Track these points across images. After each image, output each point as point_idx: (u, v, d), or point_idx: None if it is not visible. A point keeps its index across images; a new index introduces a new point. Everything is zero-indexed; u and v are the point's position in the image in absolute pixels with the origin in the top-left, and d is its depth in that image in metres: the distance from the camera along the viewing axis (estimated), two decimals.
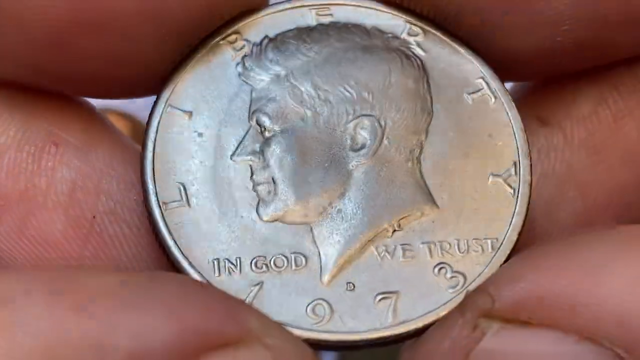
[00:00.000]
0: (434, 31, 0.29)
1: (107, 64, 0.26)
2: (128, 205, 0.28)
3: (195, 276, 0.26)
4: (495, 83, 0.29)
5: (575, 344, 0.23)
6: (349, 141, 0.27)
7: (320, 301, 0.25)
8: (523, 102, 0.32)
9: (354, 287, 0.26)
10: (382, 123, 0.27)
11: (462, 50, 0.29)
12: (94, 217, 0.28)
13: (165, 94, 0.27)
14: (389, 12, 0.29)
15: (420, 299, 0.26)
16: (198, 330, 0.22)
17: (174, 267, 0.26)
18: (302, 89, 0.27)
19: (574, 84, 0.31)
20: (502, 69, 0.29)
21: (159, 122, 0.27)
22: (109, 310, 0.21)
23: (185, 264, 0.26)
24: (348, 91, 0.27)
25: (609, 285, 0.23)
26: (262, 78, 0.28)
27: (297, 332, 0.25)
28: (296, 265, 0.26)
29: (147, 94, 0.28)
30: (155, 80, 0.27)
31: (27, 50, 0.26)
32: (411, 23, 0.29)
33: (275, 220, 0.26)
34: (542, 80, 0.32)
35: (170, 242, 0.26)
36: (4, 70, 0.27)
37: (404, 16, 0.29)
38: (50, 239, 0.27)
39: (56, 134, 0.28)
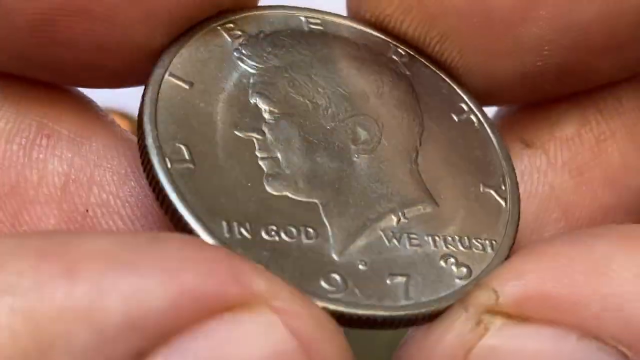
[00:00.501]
0: (418, 56, 0.29)
1: (94, 51, 0.26)
2: (122, 197, 0.27)
3: (205, 236, 0.23)
4: (476, 107, 0.29)
5: (577, 342, 0.23)
6: (350, 134, 0.27)
7: (334, 274, 0.24)
8: (506, 124, 0.32)
9: (366, 263, 0.25)
10: (380, 124, 0.27)
11: (444, 76, 0.29)
12: (86, 210, 0.27)
13: (164, 62, 0.26)
14: (375, 35, 0.29)
15: (432, 283, 0.25)
16: (197, 293, 0.20)
17: (180, 226, 0.24)
18: (301, 81, 0.27)
19: (558, 106, 0.31)
20: (484, 93, 0.30)
21: (158, 88, 0.26)
22: (100, 273, 0.20)
23: (195, 226, 0.23)
24: (345, 91, 0.27)
25: (613, 282, 0.23)
26: (261, 66, 0.27)
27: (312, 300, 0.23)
28: (307, 237, 0.25)
29: (137, 83, 0.27)
30: (143, 67, 0.26)
31: (11, 37, 0.25)
32: (397, 46, 0.29)
33: (284, 194, 0.25)
34: (524, 104, 0.32)
35: (179, 204, 0.24)
36: None
37: (389, 39, 0.29)
38: None
39: (48, 125, 0.27)
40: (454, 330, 0.23)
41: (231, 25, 0.28)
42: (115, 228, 0.27)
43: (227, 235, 0.24)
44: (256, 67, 0.27)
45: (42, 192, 0.27)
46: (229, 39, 0.27)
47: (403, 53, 0.29)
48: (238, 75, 0.27)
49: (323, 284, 0.24)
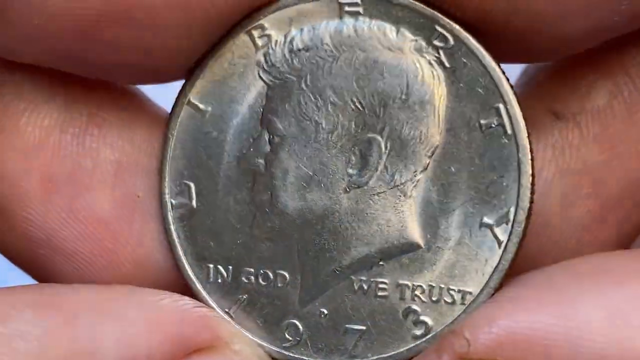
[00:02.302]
0: (465, 40, 0.27)
1: (135, 53, 0.27)
2: None
3: (193, 277, 0.28)
4: (512, 112, 0.27)
5: None
6: (350, 159, 0.27)
7: (295, 322, 0.27)
8: (535, 95, 0.31)
9: (327, 315, 0.27)
10: (387, 146, 0.27)
11: (489, 65, 0.27)
12: (138, 195, 0.29)
13: (187, 89, 0.28)
14: (422, 12, 0.27)
15: (385, 339, 0.26)
16: (176, 338, 0.25)
17: (177, 264, 0.28)
18: (315, 96, 0.27)
19: (588, 75, 0.30)
20: (548, 53, 0.29)
21: (179, 118, 0.28)
22: (95, 322, 0.24)
23: (185, 265, 0.28)
24: (360, 103, 0.27)
25: (582, 324, 0.23)
26: (277, 80, 0.28)
27: (267, 348, 0.27)
28: (280, 282, 0.27)
29: (174, 80, 0.29)
30: (182, 67, 0.28)
31: (57, 38, 0.26)
32: (442, 27, 0.27)
33: (268, 233, 0.27)
34: (555, 69, 0.31)
35: (176, 242, 0.28)
36: (36, 57, 0.28)
37: (436, 16, 0.27)
38: (98, 219, 0.29)
39: (97, 114, 0.29)
40: None
41: (260, 29, 0.28)
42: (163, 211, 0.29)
43: (211, 279, 0.28)
44: (273, 82, 0.28)
45: (96, 178, 0.29)
46: (253, 48, 0.28)
47: (449, 37, 0.27)
48: (255, 94, 0.28)
49: (282, 331, 0.27)
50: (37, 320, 0.24)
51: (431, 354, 0.25)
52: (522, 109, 0.27)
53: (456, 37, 0.27)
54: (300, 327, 0.27)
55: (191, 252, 0.28)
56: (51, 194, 0.28)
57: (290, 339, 0.27)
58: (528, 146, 0.27)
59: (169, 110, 0.29)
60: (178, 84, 0.29)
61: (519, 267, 0.28)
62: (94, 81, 0.29)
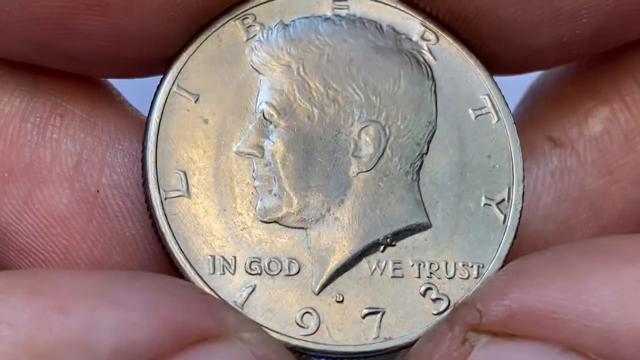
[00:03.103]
0: (447, 37, 0.28)
1: (110, 41, 0.26)
2: (132, 179, 0.28)
3: (190, 272, 0.26)
4: (499, 101, 0.28)
5: (560, 356, 0.23)
6: (352, 145, 0.27)
7: (310, 310, 0.26)
8: (532, 120, 0.32)
9: (343, 299, 0.26)
10: (387, 131, 0.27)
11: (472, 61, 0.28)
12: (97, 191, 0.27)
13: (173, 72, 0.27)
14: (405, 12, 0.28)
15: (405, 318, 0.26)
16: (178, 326, 0.23)
17: (170, 259, 0.26)
18: (311, 84, 0.27)
19: (585, 102, 0.31)
20: (518, 64, 0.29)
21: (164, 103, 0.26)
22: (90, 308, 0.22)
23: (181, 259, 0.26)
24: (357, 93, 0.27)
25: (593, 297, 0.23)
26: (272, 67, 0.27)
27: (283, 339, 0.25)
28: (289, 271, 0.26)
29: (153, 73, 0.28)
30: (162, 59, 0.27)
31: (29, 27, 0.25)
32: (426, 26, 0.28)
33: (274, 221, 0.26)
34: (553, 96, 0.32)
35: (168, 234, 0.26)
36: (7, 49, 0.27)
37: (419, 18, 0.28)
38: (55, 213, 0.27)
39: (61, 105, 0.28)
40: (441, 349, 0.24)
41: (249, 17, 0.27)
42: (125, 209, 0.28)
43: (211, 272, 0.26)
44: (267, 69, 0.27)
45: (54, 171, 0.27)
46: (244, 35, 0.27)
47: (431, 36, 0.28)
48: (248, 80, 0.27)
49: (297, 321, 0.26)
50: (27, 305, 0.22)
51: (443, 326, 0.25)
52: (504, 101, 0.29)
53: (440, 35, 0.28)
54: (318, 314, 0.26)
55: (187, 245, 0.26)
56: (6, 184, 0.27)
57: (308, 327, 0.26)
58: (515, 130, 0.28)
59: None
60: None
61: None
62: (63, 72, 0.28)
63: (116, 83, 0.29)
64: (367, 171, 0.27)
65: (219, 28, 0.27)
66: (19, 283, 0.22)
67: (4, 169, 0.27)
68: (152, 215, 0.26)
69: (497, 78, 0.29)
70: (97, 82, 0.29)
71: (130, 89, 0.30)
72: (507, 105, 0.29)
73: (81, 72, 0.28)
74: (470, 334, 0.24)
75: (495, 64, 0.29)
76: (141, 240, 0.27)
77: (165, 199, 0.26)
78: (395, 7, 0.28)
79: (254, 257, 0.26)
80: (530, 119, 0.32)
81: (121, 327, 0.22)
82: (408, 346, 0.26)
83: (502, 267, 0.27)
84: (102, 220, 0.27)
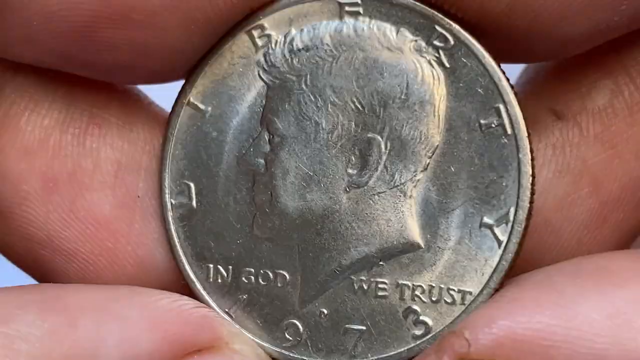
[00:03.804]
0: (466, 40, 0.27)
1: (133, 54, 0.27)
2: None
3: (193, 278, 0.28)
4: (512, 112, 0.27)
5: None
6: (350, 159, 0.27)
7: (295, 323, 0.27)
8: (536, 94, 0.31)
9: (326, 315, 0.27)
10: (387, 146, 0.27)
11: (489, 67, 0.27)
12: (138, 196, 0.29)
13: (187, 89, 0.28)
14: (421, 13, 0.27)
15: (385, 338, 0.26)
16: (176, 339, 0.25)
17: (177, 264, 0.28)
18: (315, 96, 0.27)
19: (589, 74, 0.30)
20: (550, 53, 0.29)
21: (179, 118, 0.28)
22: (97, 323, 0.24)
23: (186, 265, 0.28)
24: (360, 103, 0.27)
25: (583, 323, 0.23)
26: (277, 80, 0.28)
27: (267, 349, 0.27)
28: (280, 283, 0.27)
29: (173, 80, 0.29)
30: (182, 67, 0.28)
31: (55, 40, 0.26)
32: (442, 28, 0.27)
33: (268, 237, 0.27)
34: (556, 68, 0.31)
35: (176, 242, 0.28)
36: (35, 58, 0.28)
37: (437, 16, 0.27)
38: (99, 219, 0.29)
39: (98, 114, 0.29)
40: None
41: (260, 28, 0.28)
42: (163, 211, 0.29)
43: (210, 279, 0.28)
44: (273, 81, 0.28)
45: (96, 179, 0.29)
46: (253, 48, 0.28)
47: (445, 39, 0.27)
48: (255, 94, 0.28)
49: (282, 331, 0.27)
50: (40, 322, 0.24)
51: (431, 355, 0.25)
52: (522, 110, 0.27)
53: (456, 37, 0.27)
54: (300, 327, 0.27)
55: (191, 252, 0.28)
56: (52, 194, 0.28)
57: (291, 339, 0.27)
58: (528, 146, 0.27)
59: (169, 110, 0.29)
60: (179, 84, 0.29)
61: (519, 267, 0.28)
62: (95, 81, 0.29)
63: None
64: (359, 187, 0.27)
65: (230, 42, 0.28)
66: (31, 299, 0.25)
67: (48, 179, 0.28)
68: (164, 222, 0.28)
69: None
70: (128, 90, 0.30)
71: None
72: (522, 115, 0.27)
73: (106, 80, 0.29)
74: None
75: (526, 56, 0.28)
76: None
77: (174, 208, 0.28)
78: (412, 9, 0.27)
79: (247, 269, 0.27)
80: (532, 91, 0.31)
81: (125, 341, 0.24)
82: None
83: (492, 295, 0.26)
84: (144, 222, 0.29)
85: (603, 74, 0.30)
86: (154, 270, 0.29)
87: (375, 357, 0.26)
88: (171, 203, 0.28)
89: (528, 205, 0.27)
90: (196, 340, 0.26)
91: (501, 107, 0.27)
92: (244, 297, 0.27)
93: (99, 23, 0.26)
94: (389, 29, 0.27)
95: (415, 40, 0.27)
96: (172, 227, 0.28)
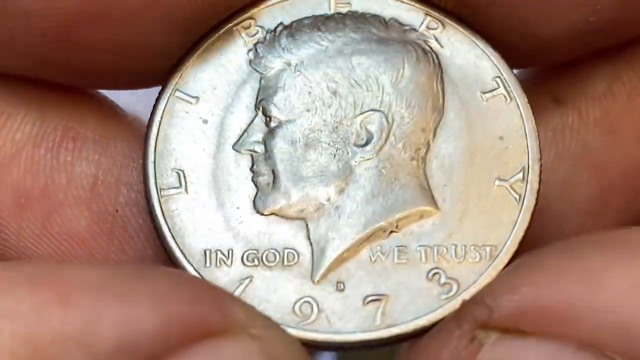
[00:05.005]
0: (454, 24, 0.28)
1: (112, 54, 0.26)
2: None
3: (186, 265, 0.26)
4: (512, 82, 0.28)
5: (575, 354, 0.22)
6: (354, 136, 0.27)
7: (308, 299, 0.26)
8: (537, 81, 0.31)
9: (344, 287, 0.26)
10: (390, 119, 0.27)
11: (481, 45, 0.28)
12: (116, 210, 0.28)
13: (174, 79, 0.27)
14: (408, 3, 0.28)
15: (410, 303, 0.25)
16: (183, 320, 0.22)
17: (167, 254, 0.26)
18: (312, 79, 0.27)
19: (589, 62, 0.30)
20: (529, 55, 0.29)
21: (165, 107, 0.27)
22: (92, 300, 0.21)
23: (177, 252, 0.26)
24: (358, 84, 0.27)
25: (608, 293, 0.22)
26: (272, 66, 0.27)
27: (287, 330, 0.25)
28: (287, 261, 0.26)
29: (155, 83, 0.28)
30: (163, 70, 0.27)
31: (33, 41, 0.26)
32: (431, 15, 0.28)
33: (272, 213, 0.26)
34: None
35: (165, 229, 0.26)
36: (11, 63, 0.27)
37: (424, 8, 0.28)
38: (75, 236, 0.28)
39: (73, 128, 0.28)
40: (448, 348, 0.24)
41: (249, 21, 0.28)
42: (145, 227, 0.28)
43: (207, 265, 0.26)
44: (267, 67, 0.27)
45: (71, 194, 0.28)
46: (245, 39, 0.28)
47: (436, 24, 0.28)
48: (248, 80, 0.27)
49: (297, 311, 0.25)
50: (28, 298, 0.21)
51: (451, 323, 0.24)
52: (517, 82, 0.28)
53: (446, 22, 0.28)
54: (317, 302, 0.26)
55: (184, 238, 0.26)
56: (24, 210, 0.27)
57: (310, 316, 0.26)
58: (530, 109, 0.28)
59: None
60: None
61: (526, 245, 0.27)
62: (69, 93, 0.28)
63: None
64: (369, 159, 0.27)
65: (219, 35, 0.28)
66: (23, 274, 0.22)
67: (20, 195, 0.27)
68: (150, 213, 0.26)
69: None
70: (105, 104, 0.30)
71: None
72: (520, 86, 0.28)
73: (85, 85, 0.29)
74: (479, 331, 0.23)
75: (507, 56, 0.28)
76: (164, 256, 0.27)
77: (163, 196, 0.26)
78: (400, 1, 0.28)
79: (250, 249, 0.26)
80: (533, 77, 0.31)
81: (123, 322, 0.21)
82: (414, 334, 0.25)
83: (517, 249, 0.26)
84: (123, 239, 0.28)
85: (603, 60, 0.30)
86: None
87: (404, 322, 0.25)
88: (159, 191, 0.26)
89: (539, 162, 0.27)
90: (207, 323, 0.22)
91: (498, 79, 0.28)
92: (251, 278, 0.26)
93: (77, 22, 0.25)
94: (381, 19, 0.28)
95: (408, 27, 0.28)
96: (160, 216, 0.26)
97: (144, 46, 0.26)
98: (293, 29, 0.28)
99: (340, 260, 0.26)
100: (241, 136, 0.27)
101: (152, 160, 0.27)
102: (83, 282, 0.22)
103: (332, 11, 0.28)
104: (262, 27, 0.28)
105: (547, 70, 0.31)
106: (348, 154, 0.27)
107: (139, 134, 0.29)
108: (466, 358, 0.23)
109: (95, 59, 0.26)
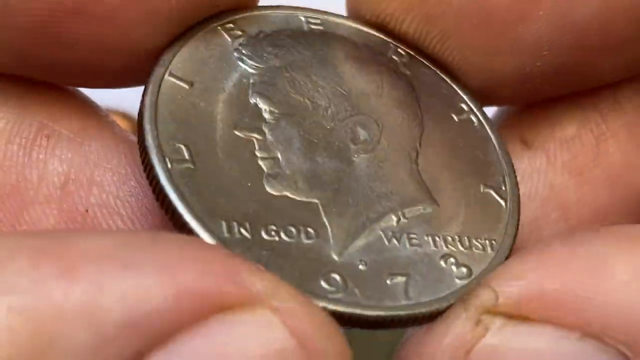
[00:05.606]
0: (418, 57, 0.29)
1: (95, 51, 0.26)
2: (122, 197, 0.27)
3: (205, 236, 0.23)
4: (476, 108, 0.29)
5: (578, 341, 0.23)
6: (349, 134, 0.27)
7: (334, 274, 0.24)
8: (507, 124, 0.32)
9: (366, 264, 0.25)
10: (380, 124, 0.27)
11: (445, 77, 0.29)
12: (86, 210, 0.27)
13: (164, 61, 0.26)
14: (375, 34, 0.29)
15: (432, 283, 0.25)
16: (196, 292, 0.20)
17: (180, 226, 0.24)
18: (301, 81, 0.27)
19: (558, 106, 0.31)
20: (484, 93, 0.30)
21: (158, 88, 0.26)
22: (98, 272, 0.19)
23: (192, 222, 0.23)
24: (345, 91, 0.27)
25: (613, 281, 0.23)
26: (260, 65, 0.27)
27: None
28: (307, 237, 0.25)
29: (138, 83, 0.27)
30: (146, 68, 0.26)
31: (12, 37, 0.25)
32: (397, 46, 0.29)
33: (286, 196, 0.25)
34: (524, 104, 0.32)
35: (175, 197, 0.24)
36: None
37: (389, 39, 0.29)
38: None
39: (48, 125, 0.27)
40: (454, 331, 0.23)
41: (231, 25, 0.28)
42: (115, 228, 0.27)
43: (226, 234, 0.23)
44: (256, 67, 0.27)
45: (42, 192, 0.27)
46: (229, 39, 0.28)
47: (403, 53, 0.29)
48: (238, 75, 0.27)
49: (323, 284, 0.24)
50: (30, 269, 0.19)
51: (458, 308, 0.24)
52: (481, 108, 0.30)
53: (409, 53, 0.29)
54: (343, 276, 0.24)
55: (199, 208, 0.24)
56: None
57: (335, 289, 0.24)
58: (495, 129, 0.29)
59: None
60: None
61: None
62: (47, 90, 0.28)
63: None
64: (365, 154, 0.27)
65: (205, 31, 0.27)
66: (26, 245, 0.20)
67: None
68: (156, 187, 0.24)
69: None
70: (84, 102, 0.29)
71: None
72: (484, 111, 0.29)
73: (66, 83, 0.28)
74: (484, 316, 0.23)
75: (471, 91, 0.29)
76: None
77: (171, 166, 0.24)
78: (365, 30, 0.29)
79: (269, 223, 0.24)
80: (503, 121, 0.32)
81: (131, 294, 0.19)
82: (438, 313, 0.25)
83: (513, 243, 0.27)
84: None
85: (571, 105, 0.31)
86: None
87: (428, 299, 0.25)
88: (164, 160, 0.24)
89: (513, 173, 0.28)
90: (223, 295, 0.20)
91: (464, 104, 0.29)
92: (269, 253, 0.24)
93: (56, 17, 0.25)
94: (353, 42, 0.29)
95: (378, 53, 0.29)
96: (171, 186, 0.24)
97: (126, 43, 0.26)
98: (275, 38, 0.28)
99: (357, 240, 0.25)
100: (241, 121, 0.26)
101: (155, 135, 0.25)
102: (90, 252, 0.20)
103: (307, 29, 0.29)
104: (244, 31, 0.28)
105: (516, 113, 0.32)
106: (347, 147, 0.27)
107: (115, 134, 0.28)
108: (470, 342, 0.23)
109: (76, 56, 0.26)
